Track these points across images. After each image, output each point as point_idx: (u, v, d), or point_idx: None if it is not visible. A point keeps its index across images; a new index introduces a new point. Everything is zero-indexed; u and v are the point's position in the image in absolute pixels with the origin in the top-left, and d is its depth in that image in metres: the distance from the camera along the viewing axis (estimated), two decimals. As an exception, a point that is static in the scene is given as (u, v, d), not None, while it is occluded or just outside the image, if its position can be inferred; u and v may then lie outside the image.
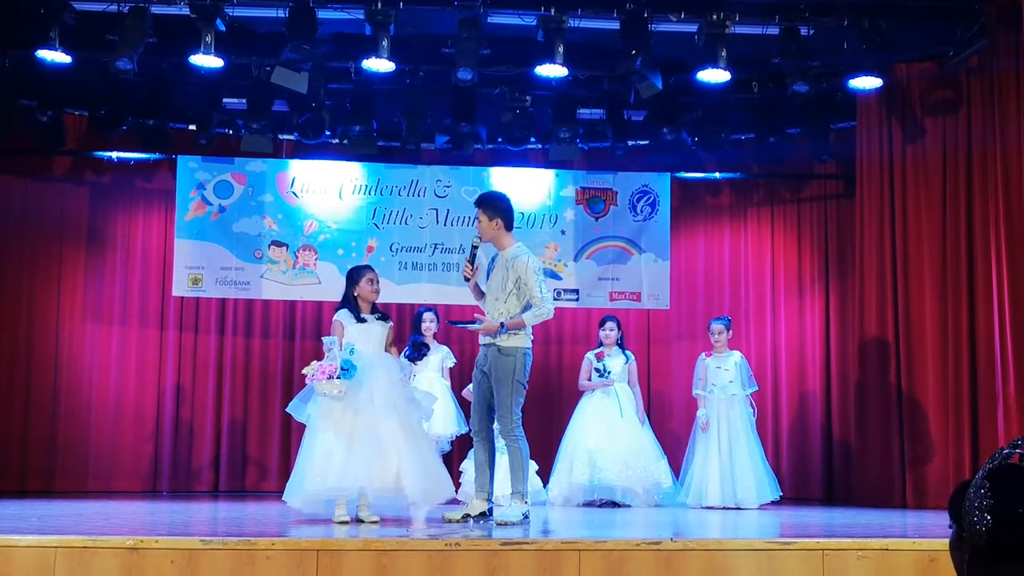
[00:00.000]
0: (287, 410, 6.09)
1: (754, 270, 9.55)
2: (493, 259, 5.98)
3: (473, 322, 5.83)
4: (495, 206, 5.87)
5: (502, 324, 5.66)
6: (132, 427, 9.10)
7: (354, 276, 6.06)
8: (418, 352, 7.88)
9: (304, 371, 5.65)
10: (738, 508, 7.38)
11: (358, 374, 5.59)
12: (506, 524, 5.46)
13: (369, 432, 5.58)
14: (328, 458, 5.52)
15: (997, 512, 1.76)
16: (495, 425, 5.93)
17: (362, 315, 5.93)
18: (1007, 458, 1.81)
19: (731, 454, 7.55)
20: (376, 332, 5.94)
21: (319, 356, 5.77)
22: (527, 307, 5.74)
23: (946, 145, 7.95)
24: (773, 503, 7.61)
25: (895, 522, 6.42)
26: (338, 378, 5.49)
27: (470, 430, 6.12)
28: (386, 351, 5.99)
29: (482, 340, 5.82)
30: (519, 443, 5.80)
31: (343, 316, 5.91)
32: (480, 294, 5.96)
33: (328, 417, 5.62)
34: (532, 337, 5.87)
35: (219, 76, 8.08)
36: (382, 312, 6.08)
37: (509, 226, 5.89)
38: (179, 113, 8.93)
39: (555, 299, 9.14)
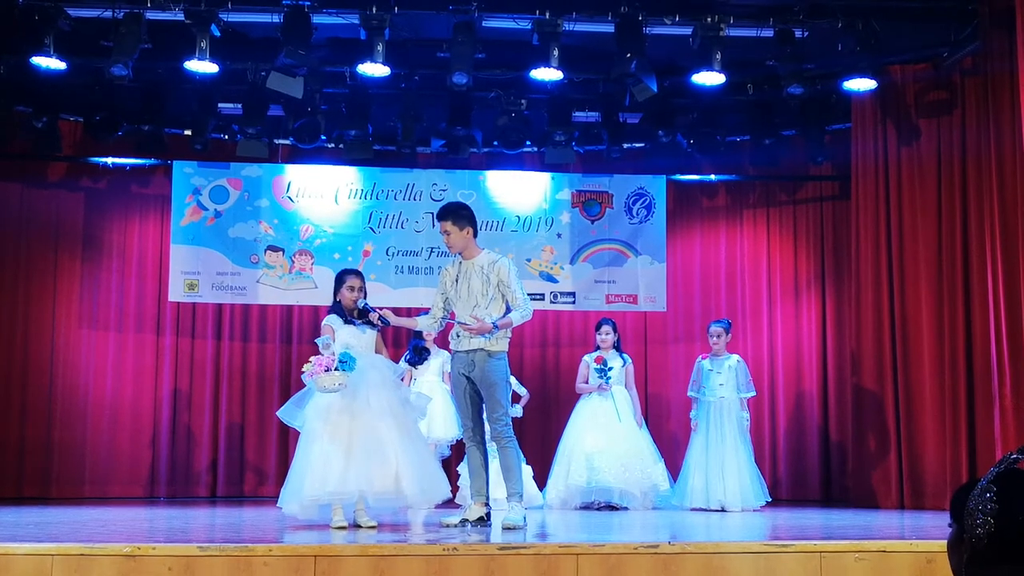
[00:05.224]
0: (278, 414, 6.04)
1: (750, 272, 9.56)
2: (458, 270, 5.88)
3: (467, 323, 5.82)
4: (463, 215, 5.84)
5: (494, 324, 5.68)
6: (129, 433, 9.09)
7: (337, 282, 6.06)
8: (419, 356, 7.87)
9: (303, 369, 5.61)
10: (722, 511, 7.38)
11: (354, 377, 5.56)
12: (515, 528, 5.45)
13: (368, 435, 5.56)
14: (327, 463, 5.49)
15: (1000, 516, 1.77)
16: (488, 428, 5.93)
17: (350, 318, 5.93)
18: (1014, 463, 1.81)
19: (719, 457, 7.56)
20: (367, 333, 5.93)
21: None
22: (508, 309, 5.76)
23: (941, 146, 7.97)
24: (762, 507, 7.57)
25: (893, 523, 6.42)
26: (337, 370, 5.46)
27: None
28: (376, 352, 5.97)
29: (464, 346, 5.80)
30: (512, 443, 5.82)
31: (332, 321, 5.90)
32: (440, 322, 5.99)
33: (325, 421, 5.59)
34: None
35: (214, 81, 8.08)
36: (368, 319, 5.96)
37: (476, 233, 5.91)
38: (174, 118, 8.94)
39: (552, 302, 9.22)
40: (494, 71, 8.25)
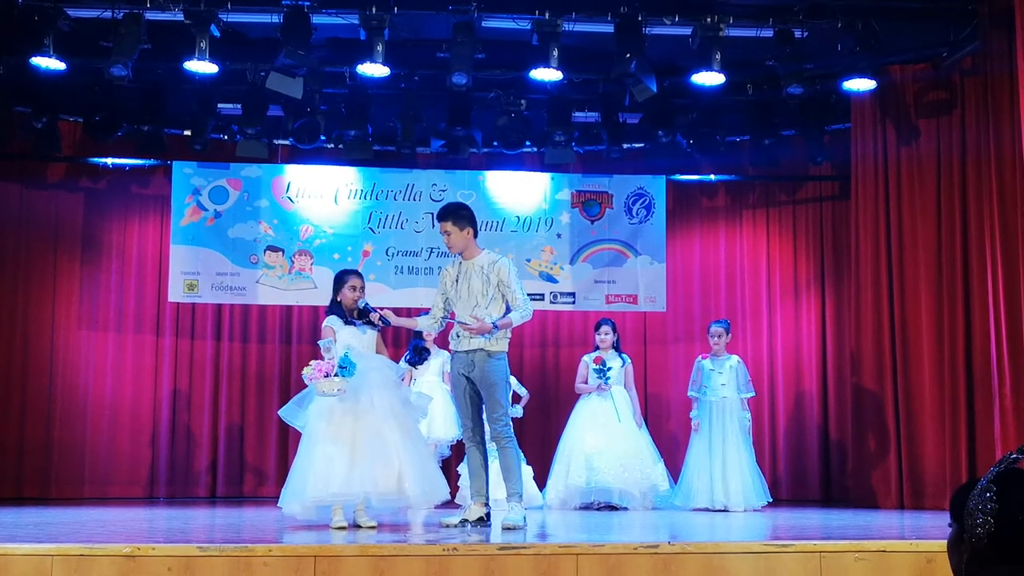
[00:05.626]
0: (279, 413, 6.03)
1: (750, 272, 9.56)
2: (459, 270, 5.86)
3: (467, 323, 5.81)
4: (463, 215, 5.82)
5: (494, 324, 5.67)
6: (129, 433, 9.09)
7: (337, 282, 6.06)
8: (419, 357, 7.86)
9: (303, 372, 5.62)
10: (725, 511, 7.37)
11: (355, 378, 5.56)
12: (515, 528, 5.45)
13: (372, 437, 5.55)
14: (330, 464, 5.48)
15: (1000, 516, 1.77)
16: (488, 428, 5.92)
17: (350, 318, 5.92)
18: (1014, 463, 1.81)
19: (721, 457, 7.56)
20: (367, 333, 5.93)
21: (317, 359, 5.73)
22: (508, 310, 5.76)
23: (940, 146, 7.97)
24: (763, 507, 7.56)
25: (892, 523, 6.42)
26: (336, 376, 5.46)
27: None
28: (377, 352, 5.97)
29: (464, 346, 5.78)
30: (512, 443, 5.81)
31: (333, 322, 5.89)
32: (440, 322, 5.97)
33: (328, 422, 5.59)
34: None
35: (214, 82, 8.09)
36: (369, 319, 5.97)
37: (476, 234, 5.89)
38: (174, 119, 8.94)
39: (552, 302, 9.21)
40: (494, 71, 8.25)
